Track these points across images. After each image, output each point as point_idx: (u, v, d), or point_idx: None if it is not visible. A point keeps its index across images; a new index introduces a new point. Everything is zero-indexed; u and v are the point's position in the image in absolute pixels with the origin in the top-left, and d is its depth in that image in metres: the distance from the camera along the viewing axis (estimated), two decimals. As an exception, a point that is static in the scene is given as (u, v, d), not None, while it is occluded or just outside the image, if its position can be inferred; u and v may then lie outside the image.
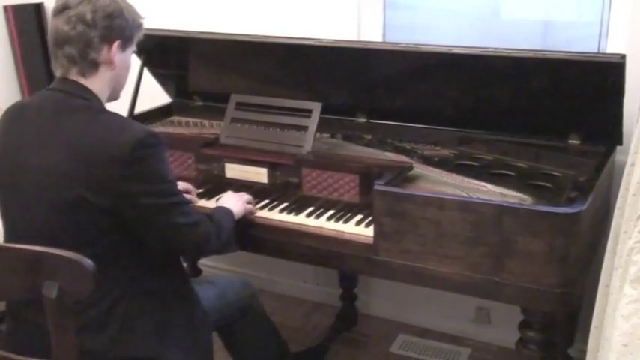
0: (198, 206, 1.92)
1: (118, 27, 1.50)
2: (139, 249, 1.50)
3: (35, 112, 1.50)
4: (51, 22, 1.50)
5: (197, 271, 2.71)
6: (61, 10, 1.47)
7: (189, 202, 1.58)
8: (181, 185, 1.91)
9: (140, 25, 1.58)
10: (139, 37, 1.59)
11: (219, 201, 1.83)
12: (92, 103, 1.49)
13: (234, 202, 1.80)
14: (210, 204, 1.92)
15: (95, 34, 1.46)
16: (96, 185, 1.39)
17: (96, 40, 1.47)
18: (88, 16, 1.45)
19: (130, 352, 1.50)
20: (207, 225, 1.58)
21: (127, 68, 1.58)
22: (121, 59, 1.53)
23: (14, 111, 1.56)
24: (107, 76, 1.52)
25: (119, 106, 2.12)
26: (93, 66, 1.49)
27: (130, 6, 1.55)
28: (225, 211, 1.72)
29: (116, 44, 1.50)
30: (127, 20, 1.51)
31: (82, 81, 1.50)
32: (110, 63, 1.51)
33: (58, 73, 1.52)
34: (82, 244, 1.38)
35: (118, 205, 1.41)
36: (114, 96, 1.60)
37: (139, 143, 1.40)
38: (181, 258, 2.60)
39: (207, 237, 1.56)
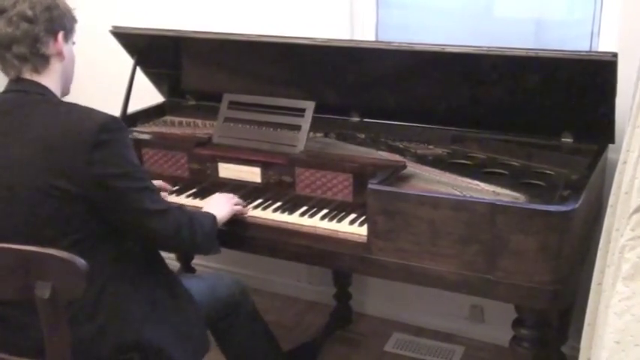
0: (191, 206, 1.91)
1: (57, 18, 1.53)
2: (117, 235, 1.51)
3: None
4: None
5: (191, 271, 2.70)
6: None
7: (158, 190, 1.59)
8: (156, 183, 1.91)
9: (74, 17, 1.61)
10: (75, 28, 1.62)
11: (206, 204, 1.83)
12: (50, 97, 1.53)
13: (220, 204, 1.81)
14: (202, 204, 1.91)
15: (39, 28, 1.49)
16: (65, 173, 1.40)
17: (42, 35, 1.50)
18: (29, 13, 1.48)
19: (120, 339, 1.50)
20: (178, 214, 1.58)
21: (73, 60, 1.62)
22: (67, 50, 1.57)
23: None
24: (58, 69, 1.56)
25: (113, 105, 2.13)
26: (45, 60, 1.52)
27: None
28: (206, 213, 1.72)
29: (60, 35, 1.53)
30: (63, 11, 1.55)
31: (36, 78, 1.52)
32: (59, 54, 1.54)
33: (10, 75, 1.54)
34: (61, 234, 1.40)
35: (89, 191, 1.42)
36: (65, 91, 1.63)
37: (102, 127, 1.43)
38: (175, 258, 2.63)
39: (178, 226, 1.56)
